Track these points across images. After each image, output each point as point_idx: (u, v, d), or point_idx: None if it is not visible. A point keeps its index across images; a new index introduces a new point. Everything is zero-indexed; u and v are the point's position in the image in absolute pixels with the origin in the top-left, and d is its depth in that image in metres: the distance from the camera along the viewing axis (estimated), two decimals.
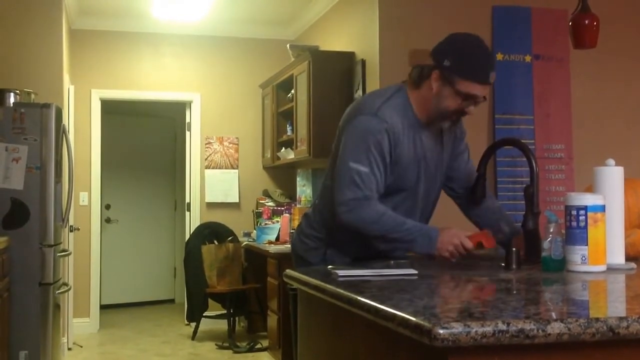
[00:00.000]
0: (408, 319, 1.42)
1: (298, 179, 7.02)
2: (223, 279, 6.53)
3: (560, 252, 2.24)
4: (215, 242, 6.66)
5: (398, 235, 2.48)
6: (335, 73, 5.52)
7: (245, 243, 6.64)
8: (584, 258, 2.18)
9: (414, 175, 2.60)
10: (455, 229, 2.53)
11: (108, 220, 8.38)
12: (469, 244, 2.48)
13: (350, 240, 2.64)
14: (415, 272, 2.17)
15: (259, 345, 6.10)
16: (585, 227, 2.18)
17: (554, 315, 1.51)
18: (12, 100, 4.95)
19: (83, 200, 6.88)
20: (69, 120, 6.11)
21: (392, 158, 2.52)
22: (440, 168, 2.72)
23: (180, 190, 8.31)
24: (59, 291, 5.00)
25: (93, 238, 6.97)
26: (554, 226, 2.27)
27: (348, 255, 2.67)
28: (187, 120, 7.39)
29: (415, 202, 2.65)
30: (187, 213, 7.38)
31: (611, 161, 2.38)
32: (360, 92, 5.25)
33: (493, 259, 2.62)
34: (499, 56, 4.90)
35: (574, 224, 2.20)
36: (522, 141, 2.81)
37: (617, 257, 2.31)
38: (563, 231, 2.25)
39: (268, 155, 7.03)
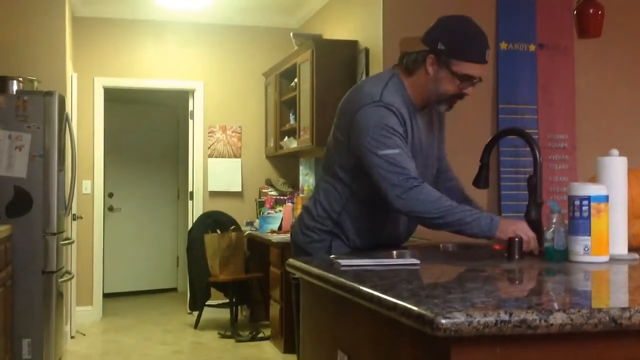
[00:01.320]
0: (410, 309, 1.41)
1: (301, 168, 7.01)
2: (226, 268, 6.54)
3: (563, 242, 2.23)
4: (218, 231, 6.66)
5: (458, 216, 2.40)
6: (338, 62, 5.51)
7: (247, 232, 6.64)
8: (586, 248, 2.17)
9: (427, 144, 2.62)
10: (516, 221, 2.45)
11: (111, 209, 8.39)
12: (532, 234, 2.39)
13: (358, 232, 2.63)
14: (417, 261, 2.16)
15: (261, 334, 6.11)
16: (589, 217, 2.18)
17: (556, 305, 1.51)
18: (15, 88, 4.95)
19: (86, 189, 6.88)
20: (72, 108, 6.10)
21: (409, 135, 2.52)
22: (432, 154, 2.73)
23: (183, 179, 8.31)
24: (62, 279, 5.02)
25: (96, 226, 6.98)
26: (557, 216, 2.27)
27: (355, 248, 2.65)
28: (190, 108, 7.38)
29: (425, 171, 2.65)
30: (190, 202, 7.38)
31: (615, 151, 2.38)
32: None
33: (494, 248, 2.62)
34: (503, 45, 4.88)
35: (577, 214, 2.19)
36: (526, 131, 2.80)
37: (620, 247, 2.31)
38: (566, 221, 2.25)
39: (271, 144, 7.02)
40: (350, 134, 2.53)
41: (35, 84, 5.17)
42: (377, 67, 4.97)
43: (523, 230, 2.38)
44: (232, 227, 6.75)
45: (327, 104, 5.37)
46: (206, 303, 6.63)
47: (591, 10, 3.70)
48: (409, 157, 2.46)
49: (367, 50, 5.23)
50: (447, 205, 2.41)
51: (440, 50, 2.46)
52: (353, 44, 5.49)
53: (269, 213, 6.54)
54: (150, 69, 7.15)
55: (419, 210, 2.42)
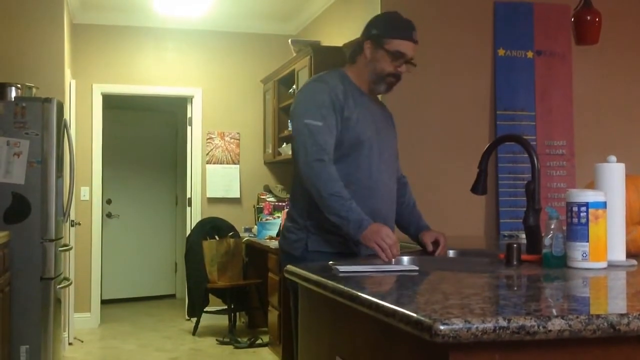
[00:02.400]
0: (409, 315, 1.42)
1: None
2: (224, 274, 6.54)
3: (561, 248, 2.24)
4: (216, 237, 6.66)
5: (337, 205, 2.58)
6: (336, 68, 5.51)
7: (246, 238, 6.64)
8: (584, 254, 2.18)
9: (370, 129, 2.79)
10: (383, 227, 2.58)
11: (109, 215, 8.38)
12: (392, 238, 2.53)
13: (331, 225, 2.67)
14: (416, 268, 2.17)
15: (259, 341, 6.11)
16: (587, 223, 2.18)
17: (554, 311, 1.51)
18: (13, 94, 4.95)
19: (84, 195, 6.88)
20: (71, 114, 6.11)
21: (344, 113, 2.72)
22: (391, 135, 2.96)
23: (181, 185, 8.31)
24: (60, 286, 5.01)
25: (94, 233, 6.98)
26: (555, 222, 2.27)
27: (330, 245, 2.72)
28: (189, 115, 7.39)
29: (379, 157, 2.80)
30: (188, 208, 7.38)
31: (612, 158, 2.38)
32: None
33: (493, 255, 2.62)
34: (501, 52, 4.89)
35: (575, 220, 2.20)
36: (524, 137, 2.81)
37: (618, 253, 2.31)
38: (564, 227, 2.25)
39: (269, 150, 7.03)
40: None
41: (34, 90, 5.17)
42: None
43: (383, 239, 2.51)
44: (231, 233, 6.75)
45: None
46: (204, 309, 6.62)
47: (588, 18, 3.71)
48: (331, 133, 2.69)
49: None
50: (336, 192, 2.59)
51: (373, 34, 2.81)
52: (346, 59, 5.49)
53: (267, 219, 6.54)
54: (148, 76, 7.16)
55: (314, 183, 2.62)
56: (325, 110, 2.69)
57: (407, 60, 2.80)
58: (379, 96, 3.09)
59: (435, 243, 2.85)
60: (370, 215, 2.66)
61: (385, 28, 2.81)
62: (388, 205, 2.86)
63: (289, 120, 2.83)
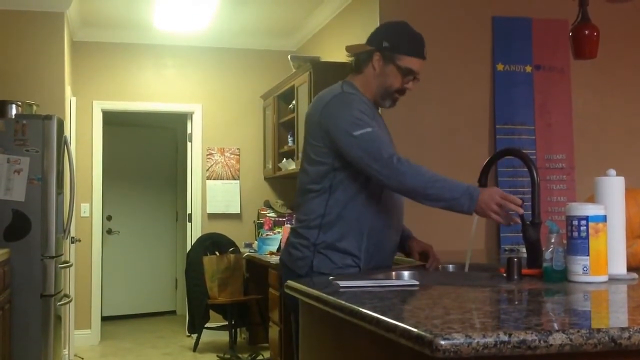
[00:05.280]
0: (410, 330, 1.41)
1: None
2: (224, 290, 6.52)
3: (562, 262, 2.23)
4: (217, 253, 6.65)
5: (439, 191, 2.50)
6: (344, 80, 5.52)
7: (246, 254, 6.63)
8: (585, 268, 2.17)
9: (386, 139, 2.72)
10: (495, 188, 2.54)
11: (109, 232, 8.38)
12: (517, 200, 2.45)
13: (339, 239, 2.64)
14: (416, 282, 2.16)
15: (260, 357, 6.09)
16: (587, 237, 2.18)
17: (555, 326, 1.51)
18: (14, 111, 4.96)
19: (84, 212, 6.88)
20: (71, 131, 6.12)
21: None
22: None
23: (181, 201, 8.31)
24: (60, 303, 5.00)
25: (94, 249, 6.97)
26: (556, 236, 2.27)
27: (335, 266, 2.65)
28: (189, 131, 7.40)
29: None
30: (189, 224, 7.37)
31: (612, 171, 2.38)
32: None
33: (494, 269, 2.62)
34: (500, 66, 4.90)
35: (576, 234, 2.20)
36: (523, 151, 2.81)
37: (619, 267, 2.31)
38: (564, 241, 2.25)
39: (269, 166, 7.03)
40: (323, 130, 2.66)
41: (34, 107, 5.19)
42: None
43: (500, 204, 2.44)
44: (231, 249, 6.74)
45: None
46: (205, 325, 6.60)
47: (587, 32, 3.72)
48: (383, 134, 2.64)
49: None
50: (427, 180, 2.51)
51: (385, 47, 2.71)
52: (350, 67, 5.51)
53: (267, 235, 6.53)
54: (148, 92, 7.18)
55: (402, 182, 2.53)
56: (367, 117, 2.61)
57: (415, 77, 2.75)
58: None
59: (423, 254, 2.82)
60: (389, 228, 2.67)
61: (399, 42, 2.72)
62: (401, 216, 2.84)
63: (329, 135, 2.73)
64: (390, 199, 2.72)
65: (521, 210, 2.45)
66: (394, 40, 2.72)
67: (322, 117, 2.67)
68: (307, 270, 2.66)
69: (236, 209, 7.30)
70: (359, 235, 2.66)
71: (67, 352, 5.87)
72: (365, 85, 2.77)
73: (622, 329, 1.41)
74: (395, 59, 2.70)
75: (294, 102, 6.13)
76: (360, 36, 5.37)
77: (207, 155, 7.30)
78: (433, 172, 2.54)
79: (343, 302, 1.81)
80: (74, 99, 6.40)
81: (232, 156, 7.35)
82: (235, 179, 7.34)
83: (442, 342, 1.31)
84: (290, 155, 6.37)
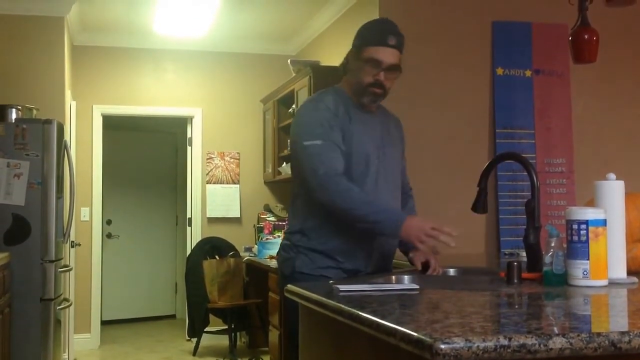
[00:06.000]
0: (410, 334, 1.41)
1: None
2: (224, 294, 6.52)
3: (562, 266, 2.23)
4: (217, 257, 6.65)
5: (364, 213, 2.55)
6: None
7: (246, 258, 6.63)
8: (585, 272, 2.17)
9: (368, 145, 2.72)
10: (429, 220, 2.57)
11: (109, 236, 8.37)
12: (451, 232, 2.50)
13: (322, 242, 2.68)
14: (416, 286, 2.16)
15: None
16: (587, 241, 2.18)
17: (555, 330, 1.51)
18: (14, 116, 4.97)
19: (84, 216, 6.88)
20: (71, 135, 6.12)
21: (346, 131, 2.66)
22: (395, 149, 2.87)
23: (181, 205, 8.31)
24: (60, 307, 4.99)
25: (94, 253, 6.97)
26: (555, 240, 2.27)
27: (316, 267, 2.69)
28: (189, 135, 7.40)
29: (376, 173, 2.74)
30: (189, 228, 7.37)
31: (612, 175, 2.38)
32: None
33: (494, 273, 2.62)
34: (499, 71, 4.91)
35: (575, 238, 2.20)
36: (523, 155, 2.81)
37: (619, 271, 2.31)
38: (564, 245, 2.25)
39: (269, 170, 7.04)
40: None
41: (34, 112, 5.19)
42: None
43: (425, 232, 2.50)
44: (231, 253, 6.74)
45: None
46: (205, 329, 6.60)
47: (586, 36, 3.72)
48: (333, 149, 2.61)
49: None
50: (355, 201, 2.55)
51: (355, 44, 2.75)
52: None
53: (267, 239, 6.53)
54: (148, 97, 7.18)
55: (332, 200, 2.57)
56: (322, 129, 2.63)
57: (388, 68, 2.68)
58: (385, 103, 2.96)
59: (426, 264, 2.81)
60: (372, 235, 2.66)
61: (362, 36, 2.75)
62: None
63: (289, 141, 2.79)
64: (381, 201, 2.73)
65: (452, 243, 2.49)
66: (360, 36, 2.76)
67: (292, 124, 2.79)
68: (290, 271, 2.72)
69: (236, 213, 7.30)
70: (340, 238, 2.68)
71: (66, 356, 5.86)
72: (349, 87, 2.79)
73: (622, 333, 1.41)
74: (360, 53, 2.70)
75: (293, 106, 6.13)
76: None
77: (207, 159, 7.30)
78: (366, 196, 2.61)
79: (343, 306, 1.81)
80: (74, 103, 6.40)
81: (232, 160, 7.35)
82: (235, 183, 7.34)
83: (442, 346, 1.31)
84: (290, 159, 6.37)
